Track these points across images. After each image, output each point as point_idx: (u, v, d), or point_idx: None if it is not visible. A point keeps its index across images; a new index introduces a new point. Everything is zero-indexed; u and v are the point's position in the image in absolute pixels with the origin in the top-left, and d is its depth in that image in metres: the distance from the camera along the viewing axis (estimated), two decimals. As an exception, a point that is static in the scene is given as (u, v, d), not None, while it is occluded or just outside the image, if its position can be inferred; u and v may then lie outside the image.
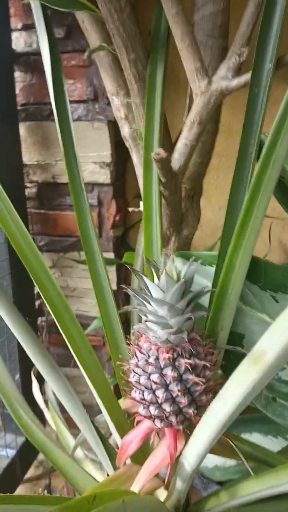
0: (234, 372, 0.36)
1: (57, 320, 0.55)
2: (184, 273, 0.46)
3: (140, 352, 0.50)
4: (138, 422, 0.54)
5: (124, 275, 1.17)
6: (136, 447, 0.53)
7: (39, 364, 0.61)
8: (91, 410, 0.71)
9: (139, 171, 0.77)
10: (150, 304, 0.46)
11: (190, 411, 0.49)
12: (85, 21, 0.71)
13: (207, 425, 0.44)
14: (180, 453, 0.51)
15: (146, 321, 0.46)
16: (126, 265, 0.96)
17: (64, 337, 0.55)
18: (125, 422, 0.60)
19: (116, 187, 1.05)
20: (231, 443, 0.54)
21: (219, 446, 0.56)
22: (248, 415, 0.86)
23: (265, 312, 0.56)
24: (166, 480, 0.54)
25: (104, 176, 1.02)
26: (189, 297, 0.46)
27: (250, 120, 0.50)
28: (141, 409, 0.51)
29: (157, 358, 0.48)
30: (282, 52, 0.50)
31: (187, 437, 0.50)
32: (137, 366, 0.49)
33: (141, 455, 0.58)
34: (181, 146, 0.58)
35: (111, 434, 0.64)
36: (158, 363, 0.48)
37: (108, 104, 0.97)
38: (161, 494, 0.59)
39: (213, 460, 0.87)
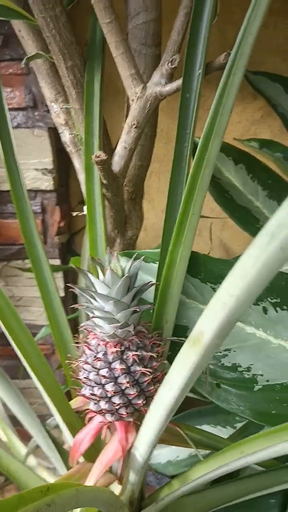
0: (176, 356, 0.38)
1: (2, 322, 0.55)
2: (128, 269, 0.48)
3: (89, 349, 0.51)
4: (90, 419, 0.55)
5: (71, 282, 1.17)
6: (88, 444, 0.54)
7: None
8: (42, 420, 0.72)
9: (81, 176, 0.78)
10: (96, 300, 0.48)
11: (139, 402, 0.51)
12: (22, 30, 0.71)
13: (155, 412, 0.45)
14: (132, 445, 0.52)
15: (93, 317, 0.47)
16: (73, 267, 0.96)
17: (9, 338, 0.55)
18: (77, 422, 0.61)
19: (60, 194, 1.06)
20: (181, 431, 0.56)
21: (170, 436, 0.59)
22: (197, 409, 0.89)
23: (207, 304, 0.59)
24: (119, 473, 0.55)
25: (46, 182, 1.02)
26: (133, 292, 0.48)
27: (183, 123, 0.54)
28: (91, 405, 0.52)
29: (105, 353, 0.49)
30: (210, 58, 0.54)
31: (137, 429, 0.52)
32: (86, 363, 0.50)
33: (94, 452, 0.58)
34: (120, 149, 0.60)
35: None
36: (107, 358, 0.49)
37: (48, 111, 0.98)
38: (115, 488, 0.60)
39: (165, 456, 0.90)
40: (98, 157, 0.52)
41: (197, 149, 0.50)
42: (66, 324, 0.67)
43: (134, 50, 0.61)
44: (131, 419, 0.52)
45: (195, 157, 0.51)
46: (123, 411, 0.51)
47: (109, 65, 0.69)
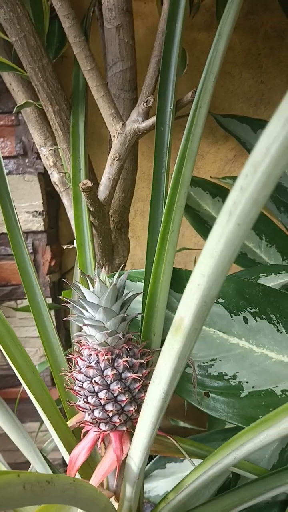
0: (162, 349, 0.42)
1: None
2: (115, 281, 0.53)
3: (82, 359, 0.54)
4: (85, 434, 0.57)
5: (63, 320, 1.20)
6: (84, 458, 0.55)
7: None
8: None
9: (70, 213, 0.84)
10: (87, 311, 0.51)
11: (131, 408, 0.53)
12: (12, 82, 0.80)
13: (147, 412, 0.48)
14: (127, 456, 0.54)
15: (84, 325, 0.51)
16: (65, 300, 1.00)
17: (7, 358, 0.58)
18: (73, 440, 0.62)
19: (50, 234, 1.11)
20: (173, 440, 0.58)
21: (163, 448, 0.60)
22: (192, 436, 0.90)
23: (191, 318, 0.63)
24: (115, 485, 0.56)
25: (37, 224, 1.08)
26: (121, 300, 0.52)
27: (159, 152, 0.60)
28: (86, 416, 0.55)
29: (97, 362, 0.52)
30: (179, 96, 0.61)
31: (131, 439, 0.54)
32: (79, 372, 0.53)
33: (90, 471, 0.60)
34: (105, 180, 0.66)
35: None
36: (99, 366, 0.52)
37: (38, 158, 1.06)
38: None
39: (162, 487, 0.89)
40: (84, 184, 0.57)
41: (173, 173, 0.57)
42: (60, 351, 0.69)
43: (113, 95, 0.69)
44: (124, 428, 0.54)
45: (172, 179, 0.57)
46: (116, 419, 0.53)
47: (93, 115, 0.77)
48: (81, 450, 0.56)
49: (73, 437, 0.62)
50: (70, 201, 0.84)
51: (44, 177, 1.08)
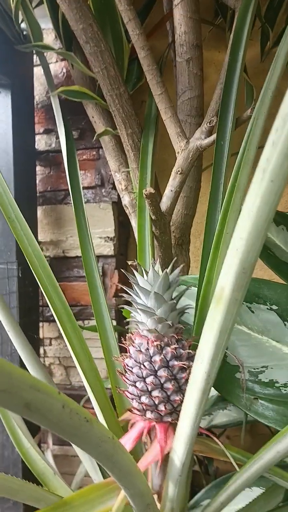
0: (204, 325, 0.44)
1: (62, 328, 0.63)
2: (169, 271, 0.56)
3: (133, 346, 0.57)
4: (132, 426, 0.58)
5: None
6: (129, 448, 0.56)
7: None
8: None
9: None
10: (140, 298, 0.55)
11: (177, 398, 0.54)
12: (94, 116, 0.91)
13: (190, 396, 0.48)
14: (171, 450, 0.54)
15: (138, 309, 0.54)
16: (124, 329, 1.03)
17: (68, 344, 0.63)
18: (120, 431, 0.64)
19: (119, 259, 1.18)
20: (219, 442, 0.58)
21: (208, 450, 0.59)
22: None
23: (243, 324, 0.64)
24: (158, 486, 0.56)
25: (108, 248, 1.15)
26: (173, 290, 0.55)
27: (218, 164, 0.65)
28: (134, 403, 0.56)
29: (147, 349, 0.55)
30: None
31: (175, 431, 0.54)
32: (130, 358, 0.56)
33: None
34: (167, 192, 0.72)
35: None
36: (148, 352, 0.55)
37: (113, 188, 1.16)
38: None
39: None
40: (147, 190, 0.63)
41: (230, 180, 0.61)
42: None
43: (181, 120, 0.76)
44: (169, 419, 0.55)
45: (229, 186, 0.61)
46: (162, 407, 0.54)
47: (166, 153, 0.84)
48: (127, 440, 0.57)
49: (120, 429, 0.63)
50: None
51: (117, 206, 1.17)
